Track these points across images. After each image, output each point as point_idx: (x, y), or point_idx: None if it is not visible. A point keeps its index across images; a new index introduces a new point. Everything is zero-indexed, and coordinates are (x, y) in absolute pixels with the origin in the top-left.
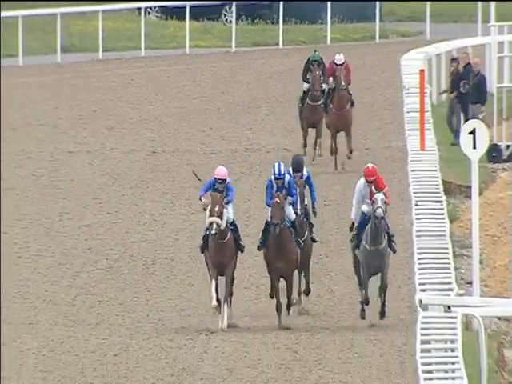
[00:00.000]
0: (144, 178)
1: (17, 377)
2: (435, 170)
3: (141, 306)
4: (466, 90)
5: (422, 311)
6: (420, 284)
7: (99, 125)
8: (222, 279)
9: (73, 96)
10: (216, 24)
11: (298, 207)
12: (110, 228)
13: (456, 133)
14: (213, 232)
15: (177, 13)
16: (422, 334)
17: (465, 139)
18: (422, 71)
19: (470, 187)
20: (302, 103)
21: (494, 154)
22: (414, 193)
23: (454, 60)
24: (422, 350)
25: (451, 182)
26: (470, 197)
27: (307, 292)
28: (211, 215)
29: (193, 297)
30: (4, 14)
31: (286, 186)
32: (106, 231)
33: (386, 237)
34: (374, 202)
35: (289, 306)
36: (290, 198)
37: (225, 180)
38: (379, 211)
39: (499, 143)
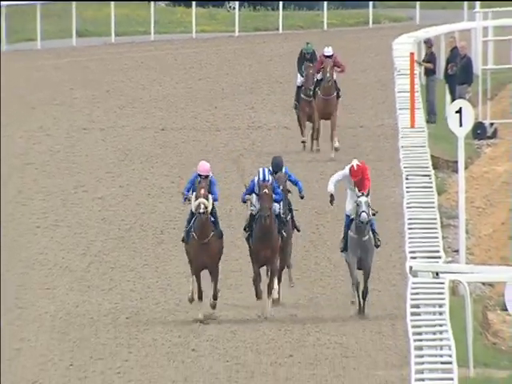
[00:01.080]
0: (153, 154)
1: (35, 338)
2: (424, 146)
3: (150, 273)
4: (454, 72)
5: (412, 277)
6: (410, 252)
7: (111, 104)
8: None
9: (87, 77)
10: (220, 10)
11: (281, 206)
12: (121, 200)
13: (431, 111)
14: (201, 211)
15: (184, 0)
16: (411, 299)
17: (452, 117)
18: (412, 54)
19: (456, 162)
20: (297, 99)
21: (478, 131)
22: (405, 167)
23: (427, 42)
24: (412, 314)
25: (439, 158)
26: (456, 171)
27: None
28: (197, 197)
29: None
30: (23, 2)
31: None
32: (118, 203)
33: (371, 233)
34: (358, 205)
35: (270, 292)
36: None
37: (207, 176)
38: (363, 216)
39: (484, 121)
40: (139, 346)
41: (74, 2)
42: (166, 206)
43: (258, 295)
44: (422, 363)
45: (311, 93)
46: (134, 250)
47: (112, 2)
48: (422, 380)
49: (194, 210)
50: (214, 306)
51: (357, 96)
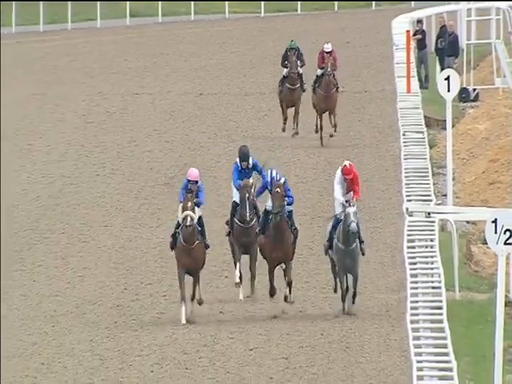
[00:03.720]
0: (193, 115)
1: (95, 267)
2: (418, 108)
3: None
4: (443, 46)
5: (408, 217)
6: (406, 196)
7: (159, 73)
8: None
9: (138, 50)
10: None
11: (248, 212)
12: (166, 153)
13: (425, 78)
14: (188, 224)
15: None
16: (408, 235)
17: (441, 84)
18: (407, 31)
19: (445, 121)
20: (281, 86)
21: (463, 95)
22: (402, 125)
23: (419, 22)
24: (408, 247)
25: (430, 117)
26: (445, 128)
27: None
28: (184, 210)
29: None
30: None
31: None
32: (163, 155)
33: (358, 241)
34: (346, 215)
35: (290, 289)
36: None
37: (197, 181)
38: (353, 226)
39: (468, 87)
40: None
41: None
42: (203, 158)
43: (272, 290)
44: (417, 288)
45: (296, 77)
46: (177, 194)
47: None
48: (416, 302)
49: (180, 221)
50: (201, 303)
51: (362, 66)
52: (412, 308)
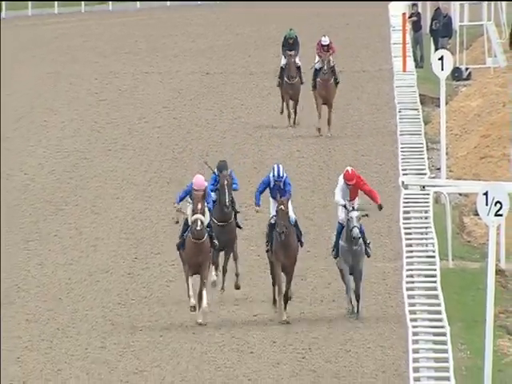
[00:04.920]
0: (200, 93)
1: (107, 237)
2: (413, 86)
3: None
4: (437, 28)
5: (404, 189)
6: (402, 170)
7: (168, 53)
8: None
9: (148, 32)
10: None
11: (227, 198)
12: (175, 129)
13: (420, 58)
14: (198, 228)
15: None
16: (403, 207)
17: (435, 63)
18: (403, 14)
19: (439, 99)
20: (280, 79)
21: (456, 74)
22: (398, 103)
23: (414, 5)
24: (404, 218)
25: (425, 95)
26: (439, 106)
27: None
28: (194, 213)
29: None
30: None
31: (282, 186)
32: (172, 131)
33: (363, 242)
34: (349, 220)
35: (286, 300)
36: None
37: (203, 189)
38: (355, 231)
39: (460, 66)
40: None
41: None
42: (209, 134)
43: (275, 300)
44: (412, 257)
45: (293, 75)
46: (185, 168)
47: None
48: (411, 270)
49: (190, 224)
50: (205, 318)
51: (361, 47)
52: (408, 276)
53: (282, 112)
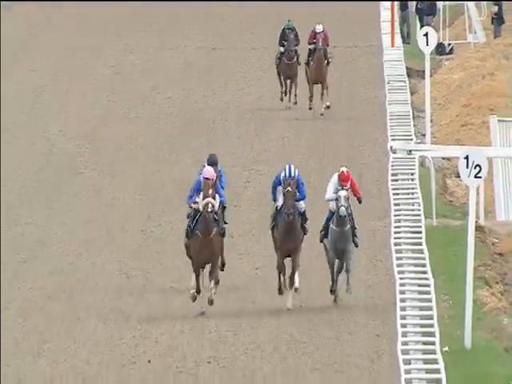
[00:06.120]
0: (206, 66)
1: (123, 198)
2: (401, 61)
3: (206, 151)
4: (422, 7)
5: (392, 154)
6: (391, 136)
7: (177, 30)
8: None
9: (159, 12)
10: None
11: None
12: (184, 99)
13: (407, 35)
14: (209, 210)
15: None
16: (392, 169)
17: (420, 39)
18: None
19: (424, 71)
20: (279, 61)
21: (440, 49)
22: (387, 75)
23: None
24: (392, 180)
25: (411, 68)
26: (424, 78)
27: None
28: (205, 197)
29: (243, 149)
30: None
31: (296, 185)
32: (181, 101)
33: (351, 228)
34: (337, 199)
35: (291, 283)
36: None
37: (213, 178)
38: (342, 210)
39: (444, 42)
40: None
41: None
42: (216, 104)
43: (280, 289)
44: (399, 215)
45: (293, 54)
46: (193, 135)
47: None
48: (399, 227)
49: (201, 208)
50: (211, 302)
51: (353, 24)
52: (395, 233)
53: (282, 98)
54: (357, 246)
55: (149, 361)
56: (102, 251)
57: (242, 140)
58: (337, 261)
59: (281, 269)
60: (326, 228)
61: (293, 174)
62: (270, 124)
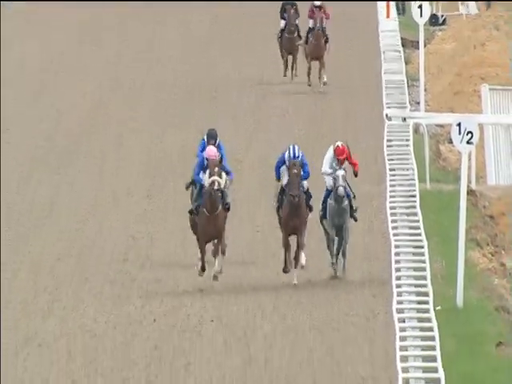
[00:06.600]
0: (209, 37)
1: (127, 166)
2: (396, 31)
3: (205, 115)
4: None
5: (388, 121)
6: (386, 103)
7: (180, 8)
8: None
9: None
10: None
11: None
12: (187, 70)
13: (402, 6)
14: (215, 187)
15: None
16: (387, 135)
17: (415, 11)
18: None
19: (418, 42)
20: (280, 36)
21: (433, 20)
22: (383, 45)
23: None
24: (388, 146)
25: (406, 38)
26: (418, 48)
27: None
28: (211, 175)
29: (244, 117)
30: None
31: (301, 165)
32: (184, 71)
33: (349, 205)
34: (335, 178)
35: (296, 261)
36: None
37: (218, 156)
38: (340, 190)
39: (437, 13)
40: None
41: None
42: (218, 72)
43: (286, 267)
44: (394, 180)
45: (293, 28)
46: (196, 104)
47: None
48: (394, 192)
49: (207, 185)
50: (217, 278)
51: None
52: (391, 197)
53: (285, 74)
54: (356, 220)
55: (154, 320)
56: (108, 216)
57: (243, 109)
58: (336, 238)
59: (287, 246)
60: (324, 208)
61: (297, 155)
62: (270, 93)
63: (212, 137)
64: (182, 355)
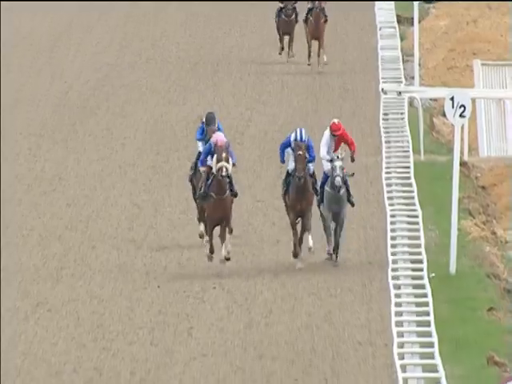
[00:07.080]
0: (212, 15)
1: (133, 136)
2: (392, 10)
3: (210, 92)
4: None
5: (384, 95)
6: (382, 78)
7: None
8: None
9: None
10: None
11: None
12: (191, 45)
13: None
14: (223, 174)
15: None
16: (383, 109)
17: None
18: None
19: (413, 18)
20: (278, 17)
21: None
22: (379, 22)
23: None
24: (383, 119)
25: (401, 15)
26: (413, 24)
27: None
28: (219, 161)
29: (245, 90)
30: None
31: (306, 148)
32: (187, 47)
33: (346, 191)
34: (333, 168)
35: (300, 241)
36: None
37: (226, 142)
38: (338, 180)
39: None
40: None
41: None
42: (219, 49)
43: (296, 251)
44: (390, 152)
45: (290, 12)
46: (199, 77)
47: None
48: (390, 163)
49: (215, 171)
50: (225, 261)
51: None
52: (386, 168)
53: (280, 53)
54: (353, 205)
55: (158, 286)
56: (114, 185)
57: (244, 82)
58: (333, 223)
59: (295, 229)
60: (321, 193)
61: (304, 138)
62: (271, 67)
63: (211, 120)
64: (185, 320)
